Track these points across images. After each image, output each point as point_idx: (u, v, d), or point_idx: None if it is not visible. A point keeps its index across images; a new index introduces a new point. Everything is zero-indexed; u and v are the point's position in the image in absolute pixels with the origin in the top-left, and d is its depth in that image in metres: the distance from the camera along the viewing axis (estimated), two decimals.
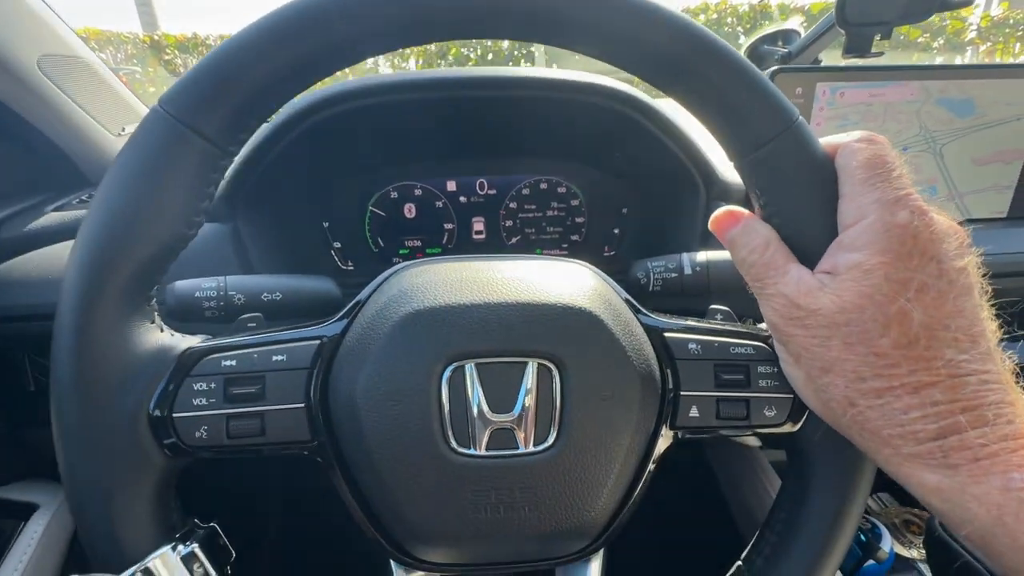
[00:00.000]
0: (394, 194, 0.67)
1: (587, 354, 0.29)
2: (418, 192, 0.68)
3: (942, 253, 0.24)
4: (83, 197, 0.61)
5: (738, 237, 0.29)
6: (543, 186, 0.69)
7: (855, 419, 0.25)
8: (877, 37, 0.70)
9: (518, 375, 0.29)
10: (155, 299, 0.31)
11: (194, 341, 0.31)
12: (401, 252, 0.70)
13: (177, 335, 0.31)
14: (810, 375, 0.27)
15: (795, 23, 0.89)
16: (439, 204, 0.68)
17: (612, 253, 0.71)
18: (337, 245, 0.68)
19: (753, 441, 0.70)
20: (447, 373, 0.28)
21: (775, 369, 0.31)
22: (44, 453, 0.57)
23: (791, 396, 0.31)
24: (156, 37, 7.51)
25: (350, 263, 0.69)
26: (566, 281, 0.32)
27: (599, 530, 0.31)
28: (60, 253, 0.51)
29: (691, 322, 0.34)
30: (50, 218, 0.55)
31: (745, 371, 0.32)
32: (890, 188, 0.25)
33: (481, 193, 0.69)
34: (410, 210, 0.68)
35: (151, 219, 0.27)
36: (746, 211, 0.30)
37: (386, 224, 0.68)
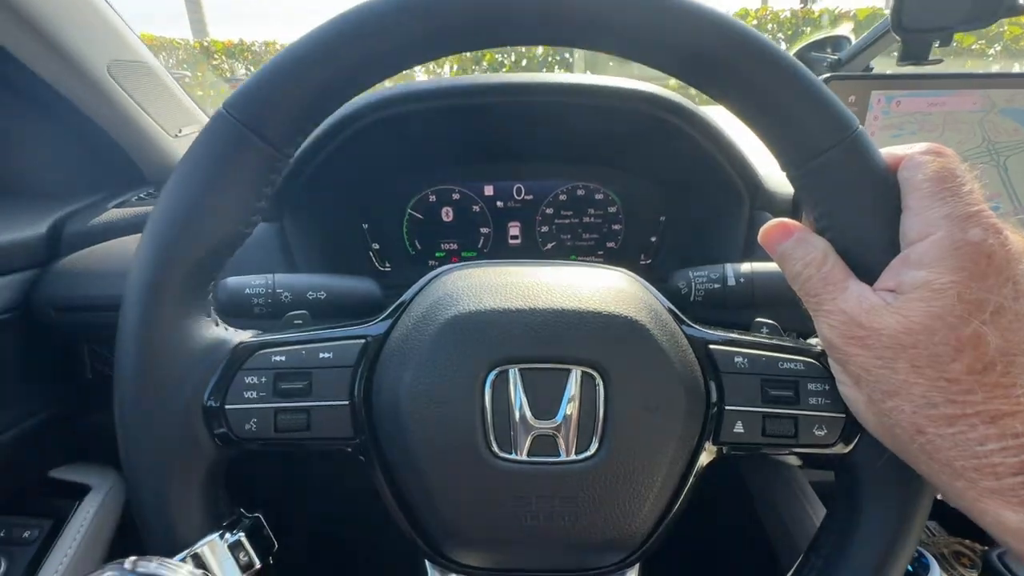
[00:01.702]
0: (432, 198, 0.68)
1: (631, 363, 0.29)
2: (456, 196, 0.69)
3: (1019, 274, 0.23)
4: (141, 195, 0.64)
5: (792, 250, 0.28)
6: (580, 192, 0.69)
7: (924, 448, 0.24)
8: (935, 44, 0.67)
9: (561, 382, 0.29)
10: (211, 294, 0.32)
11: (246, 336, 0.32)
12: (437, 255, 0.71)
13: (231, 329, 0.32)
14: (872, 399, 0.26)
15: (845, 30, 0.87)
16: (476, 208, 0.69)
17: (648, 261, 0.70)
18: (375, 246, 0.69)
19: (793, 460, 0.67)
20: (491, 377, 0.28)
21: (826, 387, 0.30)
22: (97, 437, 0.59)
23: (843, 415, 0.30)
24: (205, 43, 7.86)
25: (387, 264, 0.70)
26: (611, 289, 0.32)
27: (638, 543, 0.30)
28: (121, 247, 0.54)
29: (737, 335, 0.33)
30: (112, 214, 0.58)
31: (794, 387, 0.30)
32: (961, 203, 0.24)
33: (518, 198, 0.69)
34: (447, 214, 0.69)
35: (213, 217, 0.29)
36: (799, 223, 0.29)
37: (423, 227, 0.69)
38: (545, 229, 0.70)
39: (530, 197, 0.69)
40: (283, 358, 0.31)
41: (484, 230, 0.70)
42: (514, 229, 0.70)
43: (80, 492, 0.55)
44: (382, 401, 0.30)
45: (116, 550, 0.55)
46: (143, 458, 0.29)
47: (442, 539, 0.31)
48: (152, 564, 0.23)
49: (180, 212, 0.29)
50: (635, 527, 0.29)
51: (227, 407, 0.30)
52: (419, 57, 0.29)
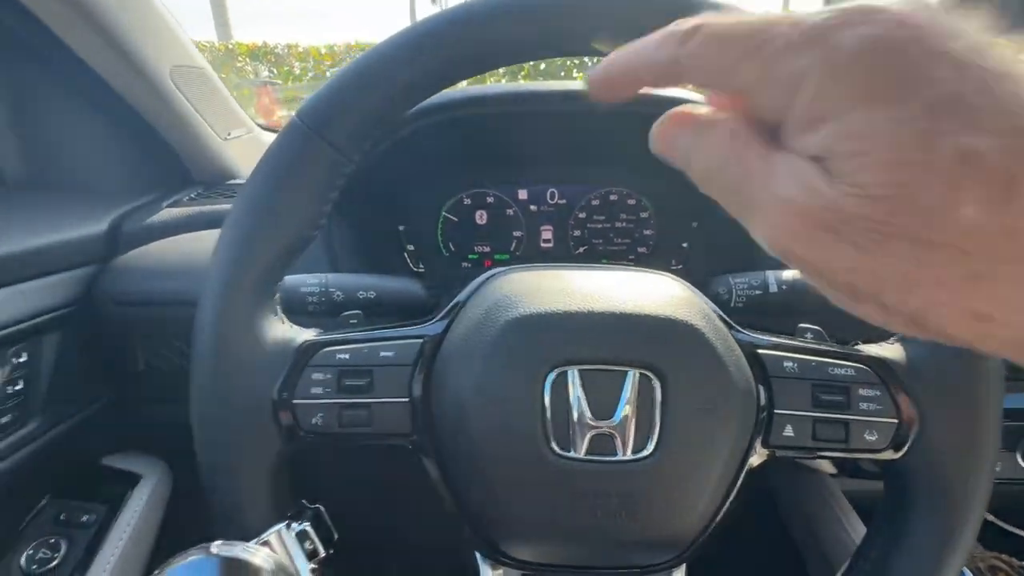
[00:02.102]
0: (467, 201, 0.70)
1: (687, 366, 0.30)
2: (490, 200, 0.70)
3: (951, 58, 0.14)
4: (192, 195, 0.67)
5: (695, 145, 0.19)
6: (613, 197, 0.70)
7: (1007, 341, 0.15)
8: None
9: (619, 383, 0.29)
10: (278, 294, 0.34)
11: (310, 334, 0.33)
12: (470, 257, 0.72)
13: (295, 327, 0.34)
14: (889, 307, 0.16)
15: None
16: (510, 212, 0.70)
17: (679, 267, 0.70)
18: (410, 248, 0.70)
19: (828, 467, 0.67)
20: (551, 378, 0.29)
21: (878, 392, 0.31)
22: (147, 428, 0.62)
23: (895, 421, 0.30)
24: (230, 46, 8.03)
25: (421, 265, 0.71)
26: (666, 293, 0.32)
27: (689, 542, 0.31)
28: (176, 245, 0.56)
29: (786, 340, 0.33)
30: (166, 213, 0.61)
31: (845, 393, 0.31)
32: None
33: (551, 203, 0.70)
34: (481, 217, 0.70)
35: (285, 220, 0.30)
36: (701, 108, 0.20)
37: (458, 230, 0.70)
38: (577, 233, 0.71)
39: (563, 201, 0.70)
40: (347, 356, 0.32)
41: (517, 233, 0.71)
42: (546, 233, 0.71)
43: (132, 480, 0.58)
44: (444, 398, 0.31)
45: (165, 535, 0.57)
46: (218, 449, 0.31)
47: (497, 533, 0.32)
48: (236, 548, 0.25)
49: (255, 216, 0.30)
50: (688, 526, 0.30)
51: (295, 402, 0.31)
52: (474, 70, 0.30)
